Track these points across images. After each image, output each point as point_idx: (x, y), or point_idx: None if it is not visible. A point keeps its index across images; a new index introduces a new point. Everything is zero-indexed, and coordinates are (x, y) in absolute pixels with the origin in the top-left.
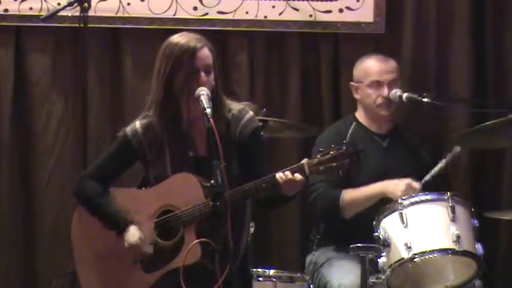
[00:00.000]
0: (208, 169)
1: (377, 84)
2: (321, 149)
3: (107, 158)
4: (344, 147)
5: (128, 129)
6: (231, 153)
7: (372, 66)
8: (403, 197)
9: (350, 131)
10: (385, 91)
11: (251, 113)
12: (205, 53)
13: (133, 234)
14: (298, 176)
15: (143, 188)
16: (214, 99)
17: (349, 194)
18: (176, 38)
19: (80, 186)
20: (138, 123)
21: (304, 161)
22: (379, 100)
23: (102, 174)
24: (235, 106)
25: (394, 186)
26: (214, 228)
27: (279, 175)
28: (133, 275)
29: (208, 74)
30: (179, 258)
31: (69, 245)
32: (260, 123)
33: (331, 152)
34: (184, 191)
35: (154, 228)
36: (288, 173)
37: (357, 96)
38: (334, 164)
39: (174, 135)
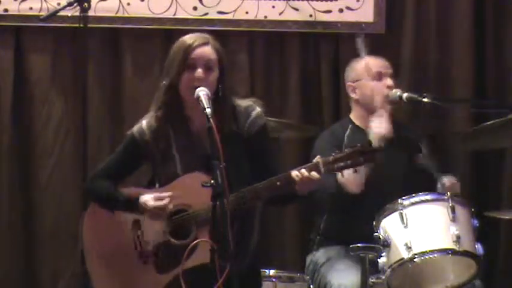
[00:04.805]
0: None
1: (380, 75)
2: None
3: (114, 158)
4: (359, 145)
5: (135, 129)
6: (240, 152)
7: (370, 61)
8: (403, 197)
9: (347, 134)
10: (389, 81)
11: (258, 109)
12: (204, 50)
13: (147, 200)
14: (314, 174)
15: (153, 187)
16: (218, 99)
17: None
18: (182, 37)
19: (89, 185)
20: (144, 123)
21: (319, 159)
22: (386, 91)
23: (111, 174)
24: (242, 102)
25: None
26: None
27: (295, 173)
28: (145, 275)
29: (208, 71)
30: (193, 258)
31: (69, 245)
32: (266, 120)
33: (346, 150)
34: (198, 190)
35: (167, 227)
36: (303, 171)
37: (354, 96)
38: (349, 161)
39: (182, 135)
